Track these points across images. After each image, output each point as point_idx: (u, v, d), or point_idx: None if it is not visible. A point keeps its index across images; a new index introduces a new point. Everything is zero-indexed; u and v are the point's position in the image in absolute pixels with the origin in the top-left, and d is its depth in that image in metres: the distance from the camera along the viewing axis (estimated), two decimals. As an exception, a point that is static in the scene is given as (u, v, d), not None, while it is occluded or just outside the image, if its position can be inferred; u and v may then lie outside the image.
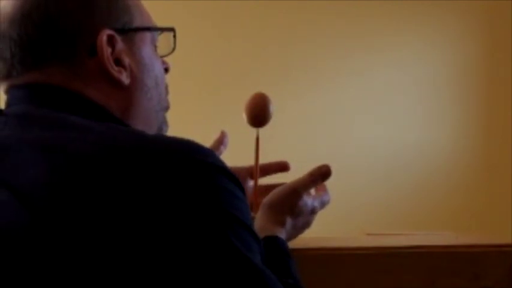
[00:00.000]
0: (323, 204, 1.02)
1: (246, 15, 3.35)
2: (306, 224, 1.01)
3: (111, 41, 0.83)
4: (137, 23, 0.87)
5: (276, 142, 3.27)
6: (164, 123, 0.94)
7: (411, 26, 3.50)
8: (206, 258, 0.69)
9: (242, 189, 0.76)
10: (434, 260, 1.04)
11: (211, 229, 0.70)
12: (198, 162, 0.72)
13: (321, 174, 1.01)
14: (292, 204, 0.98)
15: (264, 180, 1.14)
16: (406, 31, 3.49)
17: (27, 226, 0.68)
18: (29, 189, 0.70)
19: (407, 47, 3.48)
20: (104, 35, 0.82)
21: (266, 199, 0.99)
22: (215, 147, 1.11)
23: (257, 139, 1.12)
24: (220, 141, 1.13)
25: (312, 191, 1.03)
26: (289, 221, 0.97)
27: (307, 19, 3.39)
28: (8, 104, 0.84)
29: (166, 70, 0.94)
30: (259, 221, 0.96)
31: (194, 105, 3.20)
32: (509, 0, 3.49)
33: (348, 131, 3.42)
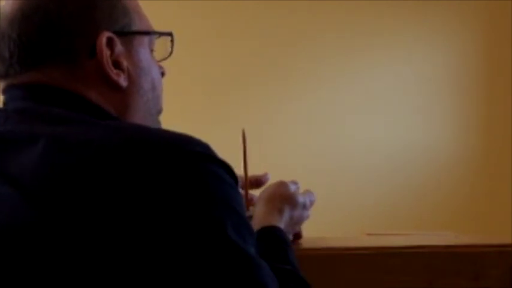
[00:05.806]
0: (311, 203, 1.07)
1: (246, 16, 3.34)
2: (301, 219, 1.05)
3: (110, 43, 0.83)
4: (136, 26, 0.87)
5: (275, 142, 3.27)
6: (159, 126, 0.94)
7: (411, 26, 3.50)
8: (201, 250, 0.69)
9: (235, 178, 0.77)
10: (434, 260, 1.04)
11: (203, 218, 0.70)
12: (186, 152, 0.72)
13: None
14: (286, 193, 1.03)
15: None
16: (406, 31, 3.49)
17: (29, 220, 0.69)
18: (31, 182, 0.70)
19: (407, 47, 3.48)
20: (104, 37, 0.82)
21: (261, 193, 1.04)
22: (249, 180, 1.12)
23: (243, 135, 1.11)
24: (258, 179, 1.13)
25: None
26: (287, 210, 1.01)
27: (307, 19, 3.39)
28: (6, 103, 0.84)
29: (162, 74, 0.95)
30: (258, 214, 0.99)
31: (194, 105, 3.20)
32: (509, 0, 3.49)
33: (348, 131, 3.41)
